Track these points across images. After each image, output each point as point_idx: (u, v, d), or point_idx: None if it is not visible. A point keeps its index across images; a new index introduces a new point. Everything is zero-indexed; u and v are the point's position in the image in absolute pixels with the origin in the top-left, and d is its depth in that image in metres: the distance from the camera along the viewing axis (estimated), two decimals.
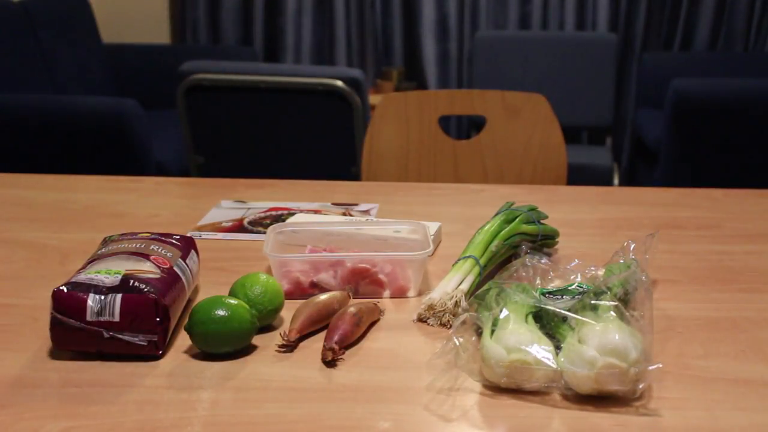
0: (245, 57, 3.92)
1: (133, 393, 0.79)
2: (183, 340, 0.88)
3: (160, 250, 0.93)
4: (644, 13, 4.04)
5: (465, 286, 0.97)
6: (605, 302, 0.82)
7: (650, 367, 0.76)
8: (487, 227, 1.07)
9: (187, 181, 1.62)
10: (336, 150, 2.43)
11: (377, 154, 1.82)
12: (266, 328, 0.92)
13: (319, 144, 2.46)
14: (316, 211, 1.34)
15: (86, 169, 2.62)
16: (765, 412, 0.76)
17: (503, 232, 1.07)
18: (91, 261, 0.90)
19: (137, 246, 0.93)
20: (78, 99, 2.82)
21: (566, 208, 1.38)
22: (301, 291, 1.01)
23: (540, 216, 1.16)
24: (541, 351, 0.77)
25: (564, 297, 0.87)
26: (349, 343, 0.88)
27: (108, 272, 0.86)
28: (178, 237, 0.99)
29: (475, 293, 0.91)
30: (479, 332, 0.83)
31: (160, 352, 0.85)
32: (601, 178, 3.46)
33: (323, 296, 0.94)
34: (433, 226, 1.19)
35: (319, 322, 0.91)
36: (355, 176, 2.39)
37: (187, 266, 0.94)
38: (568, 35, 4.01)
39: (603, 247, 1.16)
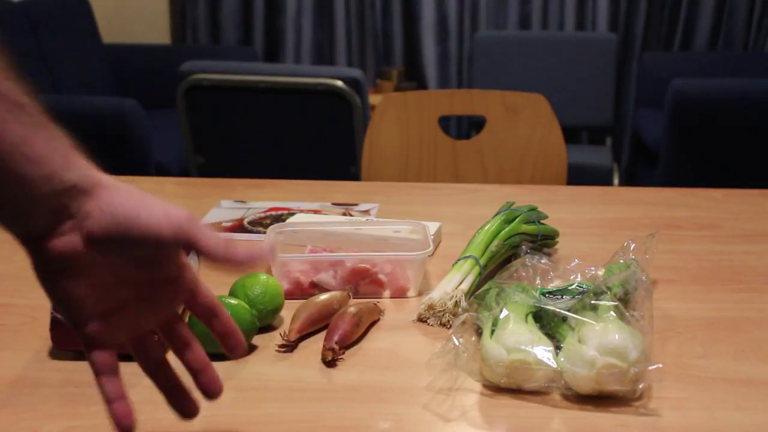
0: (245, 57, 3.91)
1: (133, 393, 0.78)
2: None
3: None
4: (644, 13, 4.03)
5: (465, 286, 0.97)
6: (605, 302, 0.82)
7: (650, 367, 0.76)
8: (487, 227, 1.07)
9: (187, 181, 1.62)
10: (336, 150, 2.43)
11: (377, 154, 1.82)
12: (266, 328, 0.92)
13: (319, 144, 2.45)
14: (316, 211, 1.34)
15: None
16: (765, 412, 0.76)
17: (503, 232, 1.07)
18: None
19: None
20: (78, 99, 2.81)
21: (566, 208, 1.38)
22: (301, 291, 1.01)
23: (540, 216, 1.16)
24: (541, 351, 0.77)
25: (564, 297, 0.87)
26: (349, 343, 0.88)
27: None
28: None
29: (475, 293, 0.91)
30: (479, 332, 0.83)
31: None
32: (601, 178, 3.46)
33: (323, 296, 0.94)
34: (433, 226, 1.19)
35: (319, 322, 0.91)
36: (355, 176, 2.39)
37: None
38: (568, 35, 4.01)
39: (603, 247, 1.16)
